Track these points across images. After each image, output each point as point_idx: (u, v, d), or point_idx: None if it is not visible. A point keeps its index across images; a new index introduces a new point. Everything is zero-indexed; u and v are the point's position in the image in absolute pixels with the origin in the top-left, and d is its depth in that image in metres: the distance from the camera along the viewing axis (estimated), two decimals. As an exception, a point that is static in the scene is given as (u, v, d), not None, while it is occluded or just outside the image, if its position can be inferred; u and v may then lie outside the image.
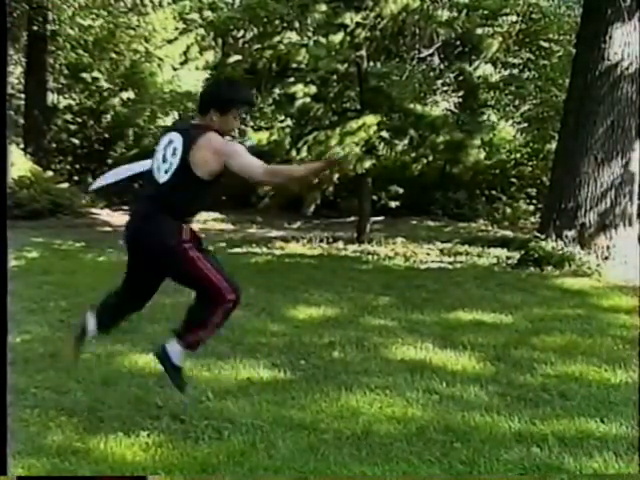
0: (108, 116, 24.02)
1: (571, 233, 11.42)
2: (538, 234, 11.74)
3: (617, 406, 5.17)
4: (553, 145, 14.58)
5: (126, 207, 21.73)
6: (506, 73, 18.03)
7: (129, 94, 23.67)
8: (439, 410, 5.07)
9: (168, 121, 23.87)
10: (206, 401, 5.16)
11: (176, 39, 18.51)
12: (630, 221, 11.63)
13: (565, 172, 11.86)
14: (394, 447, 4.44)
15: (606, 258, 11.23)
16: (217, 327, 4.72)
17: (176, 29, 19.75)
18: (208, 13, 17.64)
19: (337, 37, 14.41)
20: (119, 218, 19.75)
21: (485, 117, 19.24)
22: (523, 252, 11.73)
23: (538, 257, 11.14)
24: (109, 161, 23.83)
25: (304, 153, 14.60)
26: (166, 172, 4.56)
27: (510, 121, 21.35)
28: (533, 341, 7.00)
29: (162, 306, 8.33)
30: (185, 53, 17.07)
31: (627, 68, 11.38)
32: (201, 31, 16.69)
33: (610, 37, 11.37)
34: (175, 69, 22.58)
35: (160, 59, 24.28)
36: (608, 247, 11.36)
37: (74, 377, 5.64)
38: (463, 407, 5.11)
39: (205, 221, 19.13)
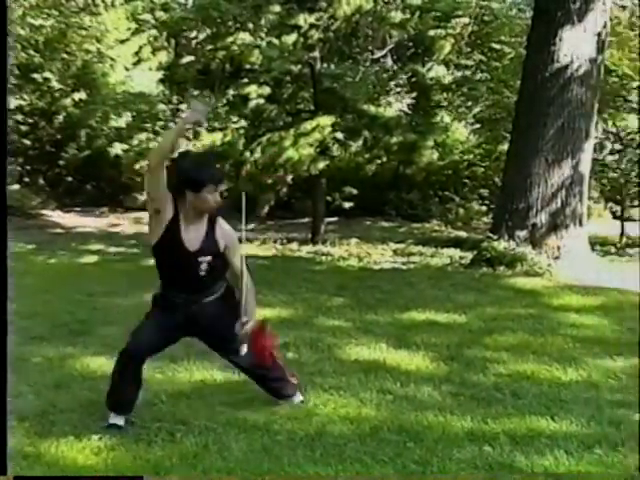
0: (60, 117, 23.74)
1: (523, 233, 11.52)
2: (490, 234, 11.83)
3: (567, 404, 5.22)
4: (505, 146, 14.70)
5: (78, 208, 21.55)
6: (459, 75, 18.17)
7: (81, 95, 23.39)
8: (393, 410, 5.08)
9: (121, 122, 23.66)
10: (159, 403, 5.13)
11: (128, 39, 18.38)
12: (580, 221, 11.76)
13: (516, 173, 11.97)
14: (348, 447, 4.44)
15: (557, 258, 11.35)
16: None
17: (128, 29, 19.56)
18: (161, 13, 17.51)
19: (290, 38, 14.43)
20: (71, 219, 19.59)
21: (438, 118, 19.34)
22: (476, 252, 11.83)
23: (491, 257, 11.24)
24: (61, 162, 23.58)
25: (258, 154, 14.59)
26: None
27: (463, 122, 21.49)
28: (486, 341, 7.06)
29: (115, 308, 8.30)
30: (137, 53, 16.96)
31: (577, 70, 11.51)
32: (153, 31, 16.60)
33: (560, 39, 11.49)
34: (128, 70, 22.41)
35: (112, 59, 24.05)
36: (559, 247, 11.48)
37: (25, 381, 5.57)
38: (416, 407, 5.13)
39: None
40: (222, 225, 4.71)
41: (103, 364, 6.04)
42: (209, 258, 4.62)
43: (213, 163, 4.97)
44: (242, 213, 4.70)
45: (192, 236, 4.59)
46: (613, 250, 14.27)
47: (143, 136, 22.47)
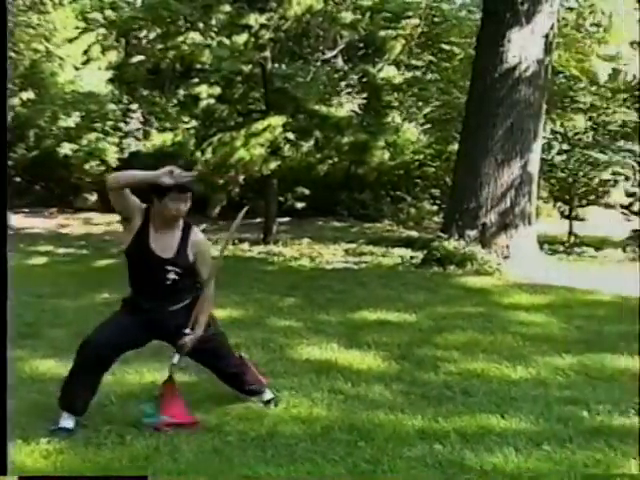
0: (8, 117, 23.43)
1: (473, 233, 11.63)
2: (441, 234, 11.91)
3: (517, 402, 5.28)
4: (455, 146, 14.81)
5: (26, 209, 21.27)
6: (409, 75, 18.23)
7: (29, 94, 23.09)
8: (344, 409, 5.10)
9: (70, 122, 23.40)
10: (109, 405, 5.09)
11: (77, 38, 18.19)
12: (529, 220, 11.90)
13: (466, 173, 12.07)
14: (299, 447, 4.44)
15: (506, 257, 11.47)
16: None
17: (77, 28, 19.36)
18: (109, 12, 17.37)
19: (241, 38, 14.38)
20: (19, 220, 19.30)
21: (389, 118, 19.41)
22: (427, 252, 11.90)
23: (441, 256, 11.32)
24: (9, 162, 23.26)
25: (209, 154, 14.53)
26: None
27: (414, 122, 21.58)
28: (436, 339, 7.11)
29: (64, 310, 8.21)
30: (86, 52, 16.79)
31: (525, 71, 11.64)
32: (103, 30, 16.44)
33: (509, 40, 11.61)
34: (77, 69, 22.20)
35: (61, 59, 23.77)
36: (508, 246, 11.60)
37: (-29, 384, 5.48)
38: (368, 406, 5.15)
39: (109, 223, 18.84)
40: (196, 234, 4.72)
41: (52, 367, 5.99)
42: (178, 269, 4.64)
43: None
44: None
45: (161, 244, 4.61)
46: (561, 249, 14.45)
47: (92, 136, 22.29)
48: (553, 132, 17.35)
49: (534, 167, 12.02)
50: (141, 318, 4.73)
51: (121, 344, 4.80)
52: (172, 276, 4.63)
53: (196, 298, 4.81)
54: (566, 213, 18.43)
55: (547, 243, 14.10)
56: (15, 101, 22.96)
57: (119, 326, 4.76)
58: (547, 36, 11.79)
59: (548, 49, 11.93)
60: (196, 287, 4.82)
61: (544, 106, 12.31)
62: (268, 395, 5.18)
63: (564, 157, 17.19)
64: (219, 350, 5.02)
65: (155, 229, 4.61)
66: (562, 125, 17.70)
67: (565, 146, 17.36)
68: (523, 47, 11.62)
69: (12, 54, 22.98)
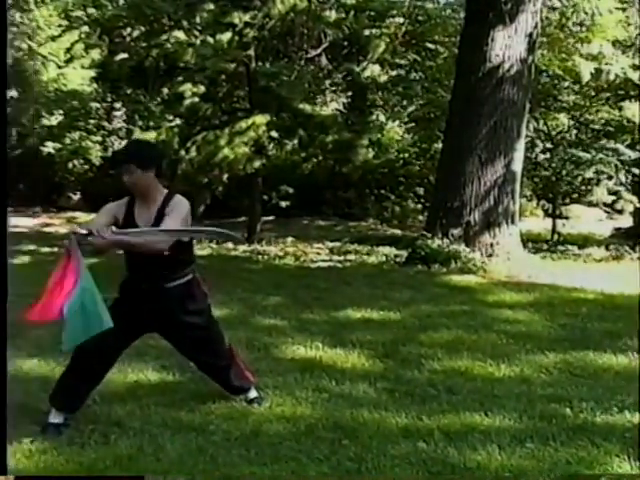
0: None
1: (457, 231, 11.65)
2: (425, 232, 11.93)
3: (501, 399, 5.29)
4: (440, 145, 14.85)
5: (10, 208, 21.13)
6: (393, 74, 18.25)
7: (12, 92, 23.01)
8: (328, 408, 5.10)
9: (53, 120, 23.33)
10: (93, 405, 5.06)
11: (60, 36, 18.12)
12: (513, 219, 11.93)
13: (450, 171, 12.09)
14: (283, 446, 4.44)
15: (490, 255, 11.50)
16: None
17: (60, 26, 19.31)
18: (92, 10, 17.31)
19: (225, 36, 14.37)
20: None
21: (373, 117, 19.49)
22: (411, 250, 11.92)
23: (425, 255, 11.34)
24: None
25: (193, 153, 14.52)
26: None
27: (398, 121, 21.62)
28: (421, 337, 7.12)
29: (47, 310, 8.15)
30: (70, 50, 16.73)
31: (509, 70, 11.67)
32: (86, 28, 16.37)
33: (492, 39, 11.63)
34: (60, 67, 22.12)
35: (44, 57, 23.72)
36: (492, 244, 11.64)
37: (-46, 384, 5.45)
38: (352, 404, 5.15)
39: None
40: (172, 202, 4.66)
41: (35, 366, 5.97)
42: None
43: (127, 146, 5.06)
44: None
45: (144, 216, 4.64)
46: (545, 247, 14.50)
47: (76, 135, 22.21)
48: (536, 131, 17.45)
49: (518, 166, 12.06)
50: (135, 303, 4.74)
51: (115, 344, 4.78)
52: None
53: (194, 281, 4.82)
54: (550, 211, 18.52)
55: (531, 241, 14.16)
56: (-2, 99, 22.87)
57: (114, 326, 4.72)
58: (530, 35, 11.82)
59: (532, 48, 11.97)
60: (190, 266, 4.82)
61: (528, 105, 12.35)
62: (253, 394, 5.17)
63: (547, 156, 17.30)
64: (212, 341, 5.00)
65: (138, 202, 4.69)
66: (545, 124, 17.79)
67: (548, 145, 17.47)
68: (507, 46, 11.65)
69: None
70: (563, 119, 17.70)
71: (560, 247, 14.63)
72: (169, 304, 4.76)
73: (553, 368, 6.07)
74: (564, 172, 16.87)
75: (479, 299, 9.08)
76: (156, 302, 4.74)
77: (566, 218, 18.89)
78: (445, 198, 11.96)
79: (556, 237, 16.54)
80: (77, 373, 4.74)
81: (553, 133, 17.72)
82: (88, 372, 4.76)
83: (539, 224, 18.59)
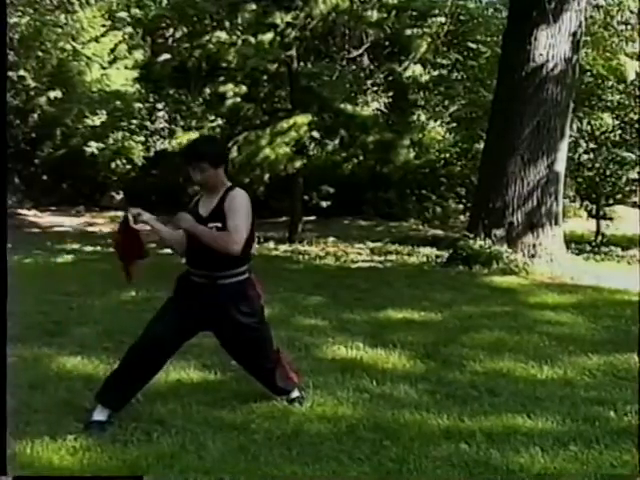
0: (35, 115, 23.59)
1: (499, 232, 11.57)
2: (467, 233, 11.87)
3: (543, 402, 5.24)
4: (482, 145, 14.76)
5: (54, 208, 21.42)
6: (435, 74, 18.21)
7: (56, 93, 23.23)
8: (369, 408, 5.09)
9: (97, 121, 23.54)
10: (136, 403, 5.09)
11: (103, 36, 18.29)
12: (556, 220, 11.82)
13: (493, 172, 12.01)
14: (324, 446, 4.44)
15: (533, 256, 11.40)
16: None
17: (104, 27, 19.50)
18: (136, 11, 17.46)
19: (267, 37, 14.42)
20: (47, 219, 19.47)
21: (415, 117, 19.42)
22: (452, 251, 11.87)
23: (467, 255, 11.28)
24: (36, 161, 23.44)
25: (234, 153, 14.57)
26: None
27: (439, 121, 21.54)
28: (462, 339, 7.08)
29: (90, 308, 8.25)
30: (113, 51, 16.90)
31: (552, 69, 11.57)
32: (129, 29, 16.53)
33: (536, 39, 11.54)
34: (104, 68, 22.32)
35: (88, 58, 23.93)
36: (535, 245, 11.54)
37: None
38: (393, 405, 5.13)
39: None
40: (231, 194, 4.74)
41: (79, 364, 6.01)
42: (218, 224, 4.65)
43: (197, 144, 5.08)
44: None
45: (206, 207, 4.74)
46: (588, 248, 14.36)
47: (119, 135, 22.41)
48: (580, 131, 17.25)
49: (561, 166, 11.95)
50: (190, 299, 4.77)
51: (171, 342, 4.82)
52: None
53: (248, 281, 4.84)
54: (593, 212, 18.33)
55: (574, 242, 14.03)
56: (42, 100, 23.15)
57: (167, 324, 4.77)
58: (575, 34, 11.71)
59: (576, 47, 11.85)
60: (246, 264, 4.84)
61: (571, 104, 12.23)
62: (295, 393, 5.18)
63: (591, 156, 17.12)
64: (262, 343, 5.01)
65: (204, 198, 4.81)
66: (589, 124, 17.59)
67: (592, 145, 17.28)
68: (550, 45, 11.54)
69: (40, 53, 23.19)
70: (607, 119, 17.48)
71: (604, 248, 14.49)
72: (222, 300, 4.76)
73: (596, 370, 6.01)
74: (608, 172, 16.70)
75: (521, 300, 9.02)
76: (209, 297, 4.75)
77: (610, 219, 18.68)
78: (487, 198, 11.88)
79: (600, 238, 16.37)
80: (129, 370, 4.77)
81: (597, 133, 17.52)
82: (141, 370, 4.79)
83: (582, 225, 18.42)
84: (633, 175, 16.51)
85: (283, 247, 14.48)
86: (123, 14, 19.21)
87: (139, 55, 19.19)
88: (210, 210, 4.70)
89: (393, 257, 13.04)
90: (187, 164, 4.76)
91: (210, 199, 4.75)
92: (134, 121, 23.60)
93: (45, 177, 23.51)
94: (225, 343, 5.06)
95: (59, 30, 23.38)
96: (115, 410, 4.76)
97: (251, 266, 4.88)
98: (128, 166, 22.80)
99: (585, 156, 17.27)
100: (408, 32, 16.05)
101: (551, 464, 4.22)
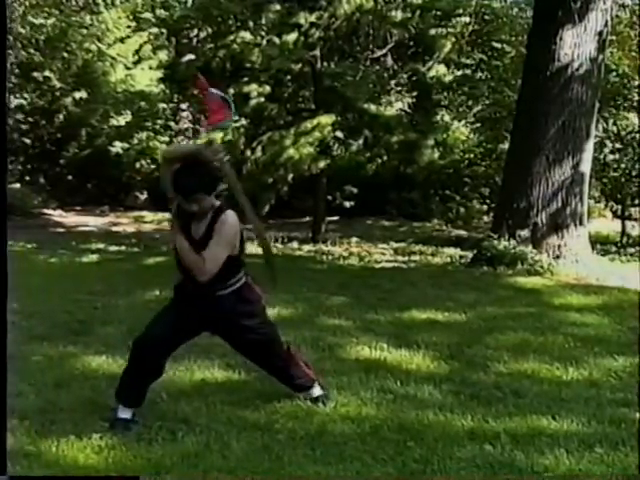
0: (60, 116, 23.76)
1: (524, 232, 11.51)
2: (491, 233, 11.82)
3: (568, 403, 5.21)
4: (506, 145, 14.71)
5: (78, 207, 21.54)
6: (459, 74, 18.15)
7: (82, 94, 23.41)
8: (393, 409, 5.08)
9: (121, 121, 23.67)
10: (160, 402, 5.12)
11: (128, 37, 18.38)
12: (581, 220, 11.75)
13: (517, 172, 11.96)
14: (348, 446, 4.44)
15: (558, 257, 11.34)
16: None
17: (128, 27, 19.60)
18: (161, 12, 17.53)
19: (291, 37, 14.43)
20: (72, 219, 19.58)
21: (439, 117, 19.36)
22: (476, 251, 11.83)
23: (491, 256, 11.23)
24: (61, 161, 23.59)
25: (258, 153, 14.61)
26: None
27: (463, 121, 21.48)
28: (486, 339, 7.05)
29: (116, 307, 8.30)
30: (138, 52, 16.96)
31: (578, 69, 11.50)
32: (154, 30, 16.60)
33: (561, 38, 11.47)
34: (128, 68, 22.43)
35: (113, 58, 24.08)
36: (559, 246, 11.47)
37: (26, 380, 5.57)
38: (417, 406, 5.12)
39: (159, 221, 19.02)
40: (222, 218, 4.67)
41: (104, 363, 6.05)
42: None
43: (184, 175, 4.93)
44: None
45: (198, 228, 4.66)
46: (614, 249, 14.27)
47: (143, 135, 22.52)
48: (605, 131, 17.14)
49: (586, 166, 11.88)
50: (189, 307, 4.77)
51: (170, 340, 4.83)
52: None
53: (246, 286, 4.83)
54: (618, 213, 18.21)
55: (599, 243, 13.93)
56: (68, 100, 23.31)
57: (167, 323, 4.80)
58: (600, 34, 11.62)
59: (601, 47, 11.76)
60: (241, 271, 4.83)
61: (597, 104, 12.15)
62: (317, 391, 5.18)
63: (617, 156, 17.00)
64: (269, 342, 5.01)
65: (196, 218, 4.68)
66: (615, 124, 17.48)
67: (618, 145, 17.16)
68: (576, 45, 11.47)
69: (65, 54, 23.35)
70: (633, 119, 17.35)
71: (629, 249, 14.38)
72: (223, 310, 4.79)
73: (622, 372, 5.97)
74: (633, 173, 16.57)
75: (546, 301, 8.97)
76: (210, 309, 4.78)
77: (635, 220, 18.55)
78: (512, 199, 11.83)
79: (625, 239, 16.26)
80: (136, 367, 4.81)
81: (622, 133, 17.39)
82: (145, 366, 4.81)
83: (608, 226, 18.30)
84: (659, 175, 16.38)
85: (307, 247, 14.48)
86: (148, 15, 19.29)
87: (163, 55, 19.25)
88: (201, 234, 4.65)
89: (417, 257, 13.01)
90: (183, 199, 4.61)
91: (199, 221, 4.69)
92: (158, 121, 23.72)
93: (70, 177, 23.65)
94: (233, 345, 5.11)
95: (84, 31, 23.56)
96: (134, 406, 4.79)
97: (246, 269, 4.89)
98: (152, 166, 22.89)
99: (611, 156, 17.15)
100: (432, 32, 16.02)
101: (576, 466, 4.19)
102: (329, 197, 18.04)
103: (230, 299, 4.77)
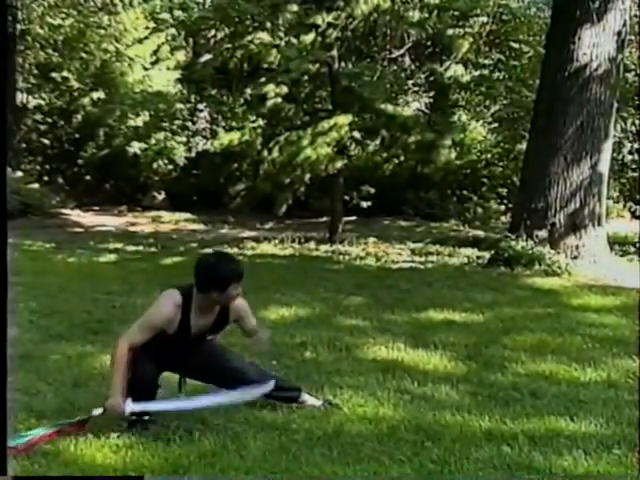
0: (78, 116, 23.87)
1: (541, 233, 11.49)
2: (509, 234, 11.79)
3: (586, 404, 5.19)
4: (523, 145, 14.66)
5: (96, 207, 21.62)
6: (477, 74, 18.12)
7: (99, 94, 23.50)
8: (410, 409, 5.07)
9: (139, 121, 23.73)
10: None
11: (146, 38, 18.44)
12: (599, 221, 11.71)
13: (535, 172, 11.93)
14: (365, 447, 4.43)
15: (575, 257, 11.31)
16: None
17: (147, 28, 19.65)
18: (179, 13, 17.58)
19: (308, 37, 14.45)
20: (90, 219, 19.65)
21: (456, 117, 19.34)
22: (494, 252, 11.80)
23: (509, 257, 11.20)
24: (79, 161, 23.68)
25: (275, 153, 14.63)
26: None
27: (481, 121, 21.45)
28: (504, 340, 7.03)
29: (133, 307, 8.30)
30: (156, 52, 17.02)
31: (596, 69, 11.46)
32: (172, 31, 16.65)
33: (579, 38, 11.44)
34: (146, 69, 22.49)
35: (131, 59, 24.15)
36: (577, 247, 11.44)
37: (44, 379, 5.59)
38: (434, 406, 5.11)
39: (177, 222, 19.07)
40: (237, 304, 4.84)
41: (122, 362, 6.05)
42: (215, 335, 4.94)
43: (235, 259, 5.00)
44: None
45: (202, 323, 4.76)
46: (632, 250, 14.18)
47: (161, 135, 22.59)
48: (624, 131, 17.08)
49: (604, 167, 11.83)
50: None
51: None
52: (207, 339, 4.91)
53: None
54: (637, 213, 18.13)
55: (617, 244, 13.85)
56: (86, 101, 23.40)
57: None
58: (619, 33, 11.58)
59: (620, 47, 11.72)
60: None
61: (615, 104, 12.10)
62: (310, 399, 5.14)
63: (635, 156, 16.93)
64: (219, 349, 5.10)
65: (198, 312, 4.74)
66: (634, 124, 17.41)
67: (636, 145, 17.08)
68: (594, 45, 11.44)
69: (83, 54, 23.44)
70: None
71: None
72: (200, 358, 4.94)
73: (641, 373, 5.94)
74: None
75: (564, 302, 8.94)
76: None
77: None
78: (530, 199, 11.80)
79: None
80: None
81: (641, 133, 17.35)
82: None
83: (626, 226, 18.19)
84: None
85: (324, 247, 14.47)
86: (166, 16, 19.34)
87: (181, 56, 19.32)
88: (209, 325, 4.82)
89: (434, 258, 12.98)
90: (238, 281, 4.69)
91: (205, 315, 4.77)
92: (176, 122, 23.75)
93: (88, 177, 23.74)
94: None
95: (102, 32, 23.66)
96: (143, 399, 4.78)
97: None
98: (170, 166, 22.96)
99: (629, 157, 17.11)
100: (450, 32, 16.00)
101: (594, 467, 4.17)
102: (346, 197, 18.02)
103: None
